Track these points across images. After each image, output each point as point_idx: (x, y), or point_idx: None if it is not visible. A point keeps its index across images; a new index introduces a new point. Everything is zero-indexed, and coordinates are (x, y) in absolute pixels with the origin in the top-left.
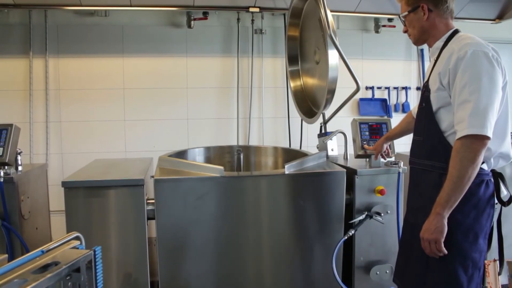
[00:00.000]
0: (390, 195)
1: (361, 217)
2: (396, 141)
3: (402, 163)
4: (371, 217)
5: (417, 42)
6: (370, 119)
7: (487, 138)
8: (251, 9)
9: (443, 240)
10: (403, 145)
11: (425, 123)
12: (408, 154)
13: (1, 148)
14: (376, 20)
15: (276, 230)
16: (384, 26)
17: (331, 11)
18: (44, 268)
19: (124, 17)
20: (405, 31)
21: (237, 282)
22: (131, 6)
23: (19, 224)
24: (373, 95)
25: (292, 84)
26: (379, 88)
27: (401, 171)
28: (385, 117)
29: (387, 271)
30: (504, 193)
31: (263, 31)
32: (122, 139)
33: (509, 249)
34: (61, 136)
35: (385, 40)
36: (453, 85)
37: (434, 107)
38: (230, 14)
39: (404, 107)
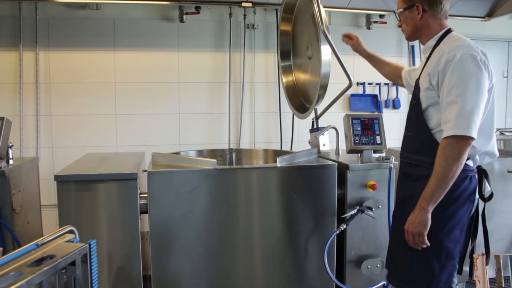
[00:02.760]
0: (381, 190)
1: (352, 212)
2: (387, 137)
3: (393, 158)
4: (362, 211)
5: (410, 38)
6: (363, 114)
7: (472, 138)
8: (243, 4)
9: (426, 233)
10: (394, 140)
11: (415, 120)
12: (399, 149)
13: None
14: (368, 17)
15: (268, 224)
16: (375, 22)
17: (323, 6)
18: (40, 261)
19: (116, 10)
20: (399, 26)
21: (230, 275)
22: None
23: (11, 218)
24: (364, 91)
25: (284, 79)
26: (370, 84)
27: (392, 166)
28: (376, 113)
29: (378, 265)
30: (487, 189)
31: (255, 26)
32: (113, 133)
33: (497, 244)
34: (51, 130)
35: (376, 36)
36: (441, 85)
37: (423, 105)
38: (222, 9)
39: (395, 103)
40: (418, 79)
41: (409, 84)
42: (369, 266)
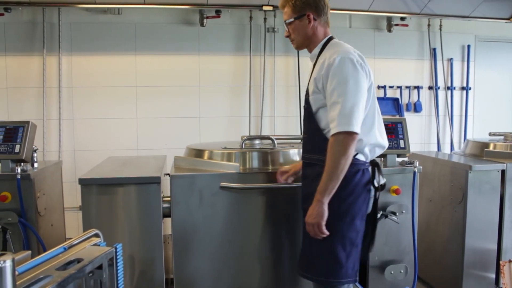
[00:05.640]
0: (405, 195)
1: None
2: (411, 141)
3: (417, 162)
4: (386, 216)
5: (300, 47)
6: (386, 118)
7: (355, 133)
8: (264, 7)
9: (324, 223)
10: (416, 144)
11: (308, 122)
12: (423, 154)
13: (18, 145)
14: (389, 19)
15: (293, 228)
16: (396, 25)
17: (344, 10)
18: (67, 264)
19: (137, 15)
20: (287, 36)
21: (253, 280)
22: (144, 4)
23: (35, 221)
24: (385, 94)
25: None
26: (391, 87)
27: (416, 170)
28: (398, 116)
29: (402, 271)
30: (381, 181)
31: (275, 29)
32: (134, 137)
33: None
34: (73, 133)
35: (397, 39)
36: (326, 88)
37: (314, 108)
38: (242, 13)
39: (416, 107)
40: (308, 85)
41: None
42: (392, 272)
